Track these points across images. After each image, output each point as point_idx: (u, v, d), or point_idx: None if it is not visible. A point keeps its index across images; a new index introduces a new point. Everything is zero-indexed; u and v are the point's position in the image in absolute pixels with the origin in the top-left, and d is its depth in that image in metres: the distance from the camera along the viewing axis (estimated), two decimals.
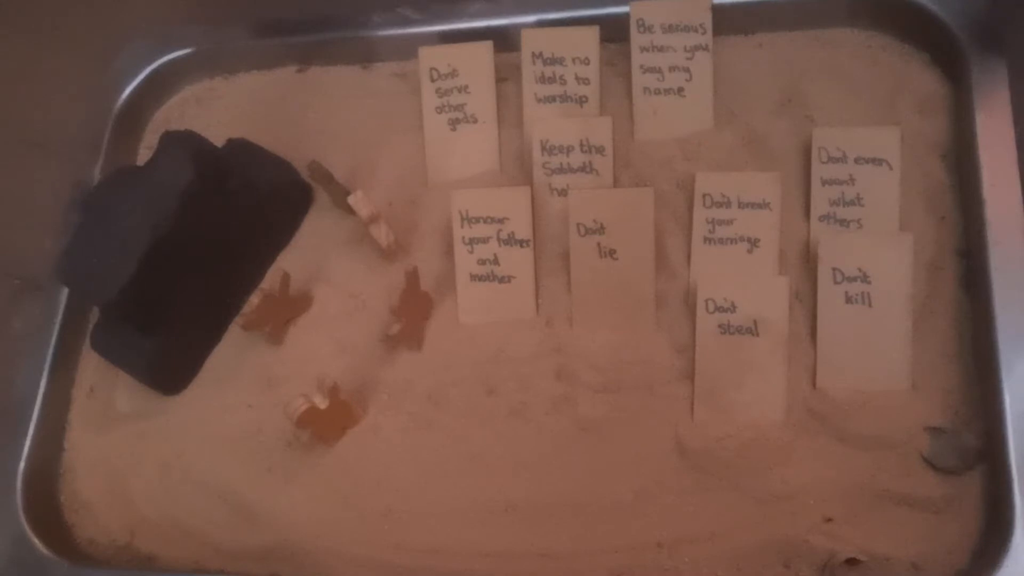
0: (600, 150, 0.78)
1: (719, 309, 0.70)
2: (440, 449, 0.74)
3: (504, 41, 0.84)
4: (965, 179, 0.72)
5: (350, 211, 0.75)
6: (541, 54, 0.81)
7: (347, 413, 0.74)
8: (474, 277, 0.77)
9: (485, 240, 0.77)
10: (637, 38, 0.80)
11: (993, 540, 0.63)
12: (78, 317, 0.85)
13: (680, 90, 0.80)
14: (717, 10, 0.78)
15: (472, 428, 0.74)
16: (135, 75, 0.93)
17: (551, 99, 0.82)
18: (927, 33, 0.77)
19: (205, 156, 0.75)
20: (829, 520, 0.66)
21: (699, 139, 0.79)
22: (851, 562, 0.64)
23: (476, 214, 0.76)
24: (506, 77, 0.85)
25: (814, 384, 0.70)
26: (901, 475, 0.66)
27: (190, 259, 0.75)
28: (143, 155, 0.94)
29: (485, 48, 0.83)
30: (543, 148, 0.79)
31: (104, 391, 0.83)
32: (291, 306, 0.80)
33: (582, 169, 0.79)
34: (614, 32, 0.82)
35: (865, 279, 0.69)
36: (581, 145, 0.78)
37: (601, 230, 0.74)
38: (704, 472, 0.69)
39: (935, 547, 0.64)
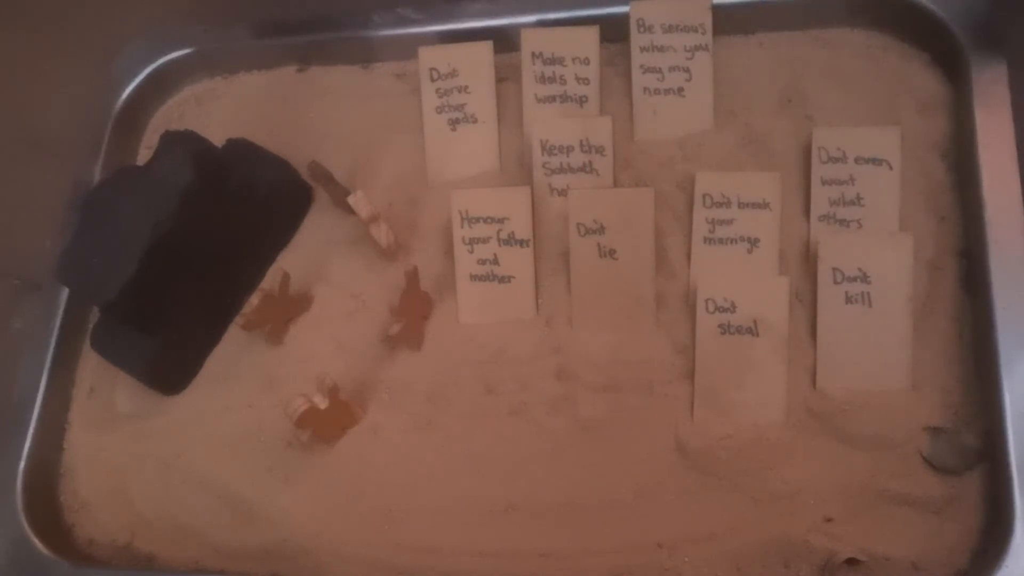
0: (600, 150, 0.78)
1: (719, 309, 0.70)
2: (440, 449, 0.74)
3: (504, 41, 0.84)
4: (965, 179, 0.72)
5: (350, 211, 0.75)
6: (541, 54, 0.81)
7: (347, 413, 0.74)
8: (474, 277, 0.77)
9: (485, 240, 0.77)
10: (637, 38, 0.80)
11: (993, 540, 0.63)
12: (78, 317, 0.85)
13: (680, 90, 0.80)
14: (717, 10, 0.78)
15: (472, 428, 0.74)
16: (135, 75, 0.93)
17: (551, 99, 0.82)
18: (927, 33, 0.77)
19: (205, 156, 0.75)
20: (829, 520, 0.66)
21: (699, 139, 0.79)
22: (851, 562, 0.64)
23: (476, 214, 0.76)
24: (506, 77, 0.85)
25: (814, 384, 0.70)
26: (901, 475, 0.66)
27: (190, 259, 0.75)
28: (143, 155, 0.94)
29: (485, 48, 0.83)
30: (543, 148, 0.79)
31: (104, 391, 0.83)
32: (291, 306, 0.80)
33: (582, 169, 0.78)
34: (614, 32, 0.82)
35: (865, 279, 0.69)
36: (581, 145, 0.78)
37: (601, 230, 0.74)
38: (704, 472, 0.69)
39: (935, 547, 0.64)
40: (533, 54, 0.81)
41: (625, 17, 0.80)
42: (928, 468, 0.66)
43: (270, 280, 0.77)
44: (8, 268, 0.90)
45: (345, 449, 0.75)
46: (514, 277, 0.77)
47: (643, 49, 0.80)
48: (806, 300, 0.72)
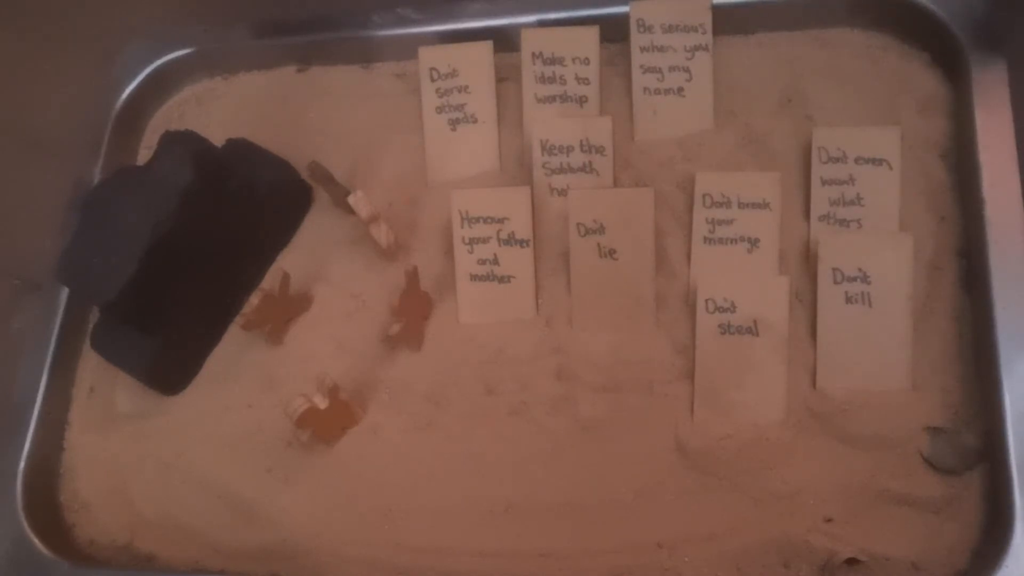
0: (600, 150, 0.78)
1: (719, 309, 0.70)
2: (440, 449, 0.74)
3: (504, 41, 0.84)
4: (965, 179, 0.72)
5: (350, 211, 0.75)
6: (541, 54, 0.81)
7: (347, 413, 0.74)
8: (474, 277, 0.77)
9: (485, 240, 0.77)
10: (637, 38, 0.80)
11: (993, 540, 0.63)
12: (78, 317, 0.85)
13: (680, 90, 0.80)
14: (717, 10, 0.78)
15: (472, 428, 0.74)
16: (135, 75, 0.93)
17: (551, 99, 0.82)
18: (927, 33, 0.77)
19: (205, 156, 0.75)
20: (829, 520, 0.66)
21: (699, 139, 0.79)
22: (851, 562, 0.64)
23: (476, 214, 0.76)
24: (506, 77, 0.85)
25: (814, 384, 0.70)
26: (901, 475, 0.66)
27: (190, 259, 0.75)
28: (143, 155, 0.94)
29: (485, 48, 0.83)
30: (543, 148, 0.79)
31: (104, 391, 0.83)
32: (291, 306, 0.80)
33: (582, 169, 0.79)
34: (614, 32, 0.82)
35: (865, 279, 0.69)
36: (581, 145, 0.78)
37: (601, 230, 0.74)
38: (704, 472, 0.69)
39: (935, 547, 0.64)
40: (533, 54, 0.81)
41: (625, 17, 0.80)
42: (928, 468, 0.66)
43: (270, 280, 0.77)
44: (8, 268, 0.90)
45: (345, 449, 0.75)
46: (514, 277, 0.77)
47: (643, 49, 0.80)
48: (806, 300, 0.72)
